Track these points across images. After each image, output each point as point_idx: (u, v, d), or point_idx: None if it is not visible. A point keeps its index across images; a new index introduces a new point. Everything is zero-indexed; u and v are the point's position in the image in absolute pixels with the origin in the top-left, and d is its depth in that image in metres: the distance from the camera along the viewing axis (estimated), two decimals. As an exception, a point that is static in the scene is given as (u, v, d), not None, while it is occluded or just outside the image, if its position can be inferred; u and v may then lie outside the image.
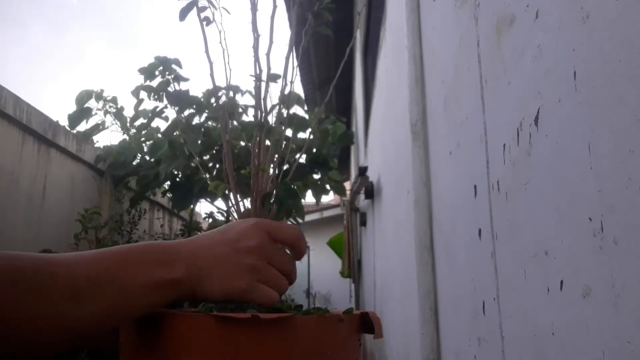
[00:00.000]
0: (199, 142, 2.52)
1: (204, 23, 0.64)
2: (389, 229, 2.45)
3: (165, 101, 2.41)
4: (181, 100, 2.33)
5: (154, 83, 2.35)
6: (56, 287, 0.41)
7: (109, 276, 0.44)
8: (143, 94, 2.54)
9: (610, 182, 0.44)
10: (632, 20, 0.41)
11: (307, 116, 2.96)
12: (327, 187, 2.88)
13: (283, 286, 0.51)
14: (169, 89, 2.29)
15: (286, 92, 0.66)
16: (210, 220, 3.23)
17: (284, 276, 0.51)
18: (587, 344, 0.48)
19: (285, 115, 0.67)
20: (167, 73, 2.28)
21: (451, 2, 1.05)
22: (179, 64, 2.31)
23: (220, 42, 0.64)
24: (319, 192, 2.84)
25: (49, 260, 0.43)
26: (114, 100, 3.34)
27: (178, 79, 2.28)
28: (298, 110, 3.05)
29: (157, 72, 2.32)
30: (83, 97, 3.21)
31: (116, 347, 0.51)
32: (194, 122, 2.73)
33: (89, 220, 2.75)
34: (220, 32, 0.65)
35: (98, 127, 3.29)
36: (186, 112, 2.67)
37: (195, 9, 0.64)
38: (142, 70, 2.38)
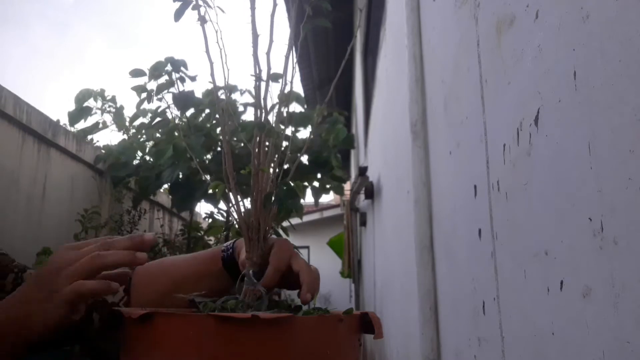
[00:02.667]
0: (201, 145, 2.51)
1: (200, 22, 0.64)
2: (389, 229, 2.45)
3: (167, 102, 2.41)
4: (186, 102, 2.33)
5: (157, 83, 2.34)
6: None
7: None
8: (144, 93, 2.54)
9: (610, 182, 0.44)
10: (632, 20, 0.41)
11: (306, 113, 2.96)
12: (327, 186, 2.88)
13: (83, 268, 0.54)
14: (173, 89, 2.29)
15: (286, 91, 0.66)
16: (210, 220, 3.23)
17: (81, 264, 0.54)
18: (587, 344, 0.48)
19: (284, 114, 0.67)
20: (173, 73, 2.27)
21: (451, 2, 1.05)
22: (185, 66, 2.30)
23: (217, 42, 0.64)
24: (318, 192, 2.84)
25: None
26: (113, 99, 3.33)
27: (183, 79, 2.27)
28: (297, 108, 3.05)
29: (161, 72, 2.31)
30: (83, 96, 3.21)
31: (117, 346, 0.51)
32: (194, 123, 2.72)
33: (89, 221, 2.75)
34: (217, 32, 0.64)
35: (97, 126, 3.29)
36: (188, 113, 2.67)
37: (191, 9, 0.64)
38: (134, 73, 2.37)
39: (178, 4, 0.64)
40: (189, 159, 2.53)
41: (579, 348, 0.49)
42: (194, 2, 0.64)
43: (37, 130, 2.45)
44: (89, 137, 3.26)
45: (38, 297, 0.53)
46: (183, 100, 2.28)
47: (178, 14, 0.65)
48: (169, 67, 2.31)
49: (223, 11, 0.65)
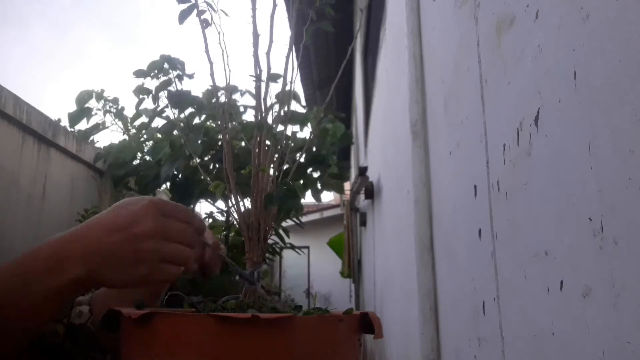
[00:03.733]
0: (199, 142, 2.51)
1: (203, 25, 0.64)
2: (389, 229, 2.45)
3: (165, 101, 2.41)
4: (183, 100, 2.32)
5: (156, 83, 2.34)
6: None
7: (14, 295, 0.46)
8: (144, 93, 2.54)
9: (610, 182, 0.44)
10: (632, 20, 0.41)
11: (304, 112, 2.96)
12: (327, 183, 2.88)
13: (185, 256, 0.52)
14: (171, 88, 2.28)
15: (286, 92, 0.66)
16: (210, 220, 3.23)
17: (186, 247, 0.52)
18: (587, 344, 0.48)
19: (283, 113, 0.67)
20: (170, 72, 2.27)
21: (451, 2, 1.05)
22: (182, 65, 2.30)
23: (220, 44, 0.64)
24: (317, 191, 2.83)
25: None
26: (114, 100, 3.34)
27: (181, 77, 2.27)
28: (296, 107, 3.05)
29: (156, 71, 2.31)
30: (83, 97, 3.21)
31: (116, 346, 0.51)
32: (194, 122, 2.72)
33: (89, 220, 2.75)
34: (219, 34, 0.65)
35: (98, 127, 3.30)
36: (187, 112, 2.67)
37: (195, 11, 0.64)
38: (137, 73, 2.37)
39: (182, 7, 0.64)
40: (188, 156, 2.53)
41: (579, 348, 0.49)
42: (199, 7, 0.64)
43: (37, 130, 2.45)
44: (90, 138, 3.26)
45: (123, 257, 0.49)
46: (179, 98, 2.28)
47: (182, 17, 0.65)
48: (165, 66, 2.30)
49: (227, 14, 0.65)
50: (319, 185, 2.79)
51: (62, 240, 0.50)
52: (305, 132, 2.81)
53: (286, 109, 0.67)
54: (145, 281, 0.50)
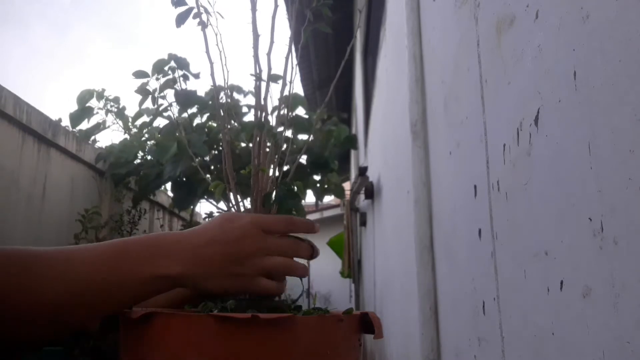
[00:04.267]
0: (202, 142, 2.51)
1: (201, 27, 0.64)
2: (389, 229, 2.45)
3: (169, 100, 2.41)
4: (189, 100, 2.33)
5: (158, 82, 2.34)
6: (53, 275, 0.45)
7: (106, 270, 0.47)
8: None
9: (610, 182, 0.44)
10: (632, 20, 0.41)
11: (308, 117, 2.96)
12: (326, 186, 2.88)
13: (289, 266, 0.53)
14: (176, 87, 2.29)
15: (286, 92, 0.66)
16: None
17: (290, 258, 0.53)
18: (587, 344, 0.48)
19: (285, 116, 0.67)
20: (177, 71, 2.28)
21: (451, 2, 1.05)
22: (188, 65, 2.31)
23: (217, 45, 0.65)
24: (319, 193, 2.84)
25: (49, 253, 0.46)
26: (115, 100, 3.34)
27: (186, 77, 2.27)
28: (300, 110, 3.05)
29: (159, 71, 2.31)
30: (84, 97, 3.21)
31: (116, 346, 0.51)
32: (196, 122, 2.72)
33: (89, 220, 2.75)
34: (216, 35, 0.65)
35: (99, 127, 3.30)
36: (189, 111, 2.67)
37: (192, 17, 0.64)
38: (138, 74, 2.37)
39: (180, 10, 0.64)
40: (191, 157, 2.54)
41: (579, 348, 0.49)
42: (196, 10, 0.64)
43: (37, 130, 2.45)
44: (92, 138, 3.26)
45: (224, 267, 0.50)
46: (185, 97, 2.28)
47: (179, 21, 0.65)
48: (172, 64, 2.31)
49: (222, 17, 0.65)
50: (324, 186, 2.79)
51: (167, 237, 0.51)
52: (306, 135, 2.81)
53: (290, 113, 0.67)
54: (241, 293, 0.52)
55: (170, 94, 2.39)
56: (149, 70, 2.40)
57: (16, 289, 0.43)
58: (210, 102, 2.65)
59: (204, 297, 0.56)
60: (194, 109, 2.73)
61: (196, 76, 2.27)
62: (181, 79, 2.25)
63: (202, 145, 2.42)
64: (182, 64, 2.24)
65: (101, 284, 0.46)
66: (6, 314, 0.42)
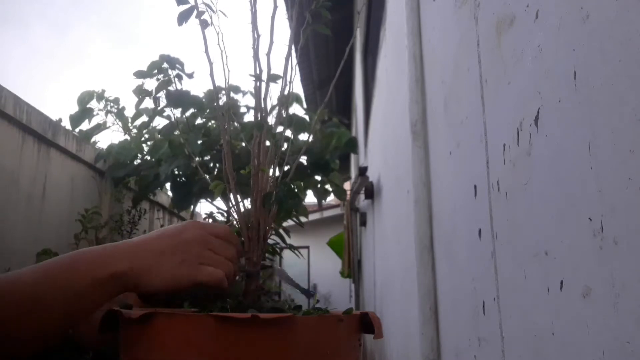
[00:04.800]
0: (199, 142, 2.51)
1: (203, 25, 0.64)
2: (389, 229, 2.45)
3: (164, 101, 2.41)
4: (182, 100, 2.32)
5: (156, 83, 2.34)
6: (5, 306, 0.45)
7: (51, 282, 0.48)
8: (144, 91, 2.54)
9: (610, 182, 0.44)
10: (632, 20, 0.41)
11: (307, 117, 2.95)
12: (328, 188, 2.88)
13: (228, 267, 0.55)
14: (171, 88, 2.28)
15: (286, 92, 0.66)
16: (210, 220, 3.23)
17: (228, 260, 0.56)
18: (587, 344, 0.48)
19: (284, 115, 0.67)
20: (169, 71, 2.27)
21: (451, 2, 1.05)
22: (181, 64, 2.30)
23: (219, 44, 0.65)
24: (321, 194, 2.83)
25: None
26: (115, 100, 3.34)
27: (180, 77, 2.27)
28: (298, 109, 3.05)
29: (156, 71, 2.31)
30: (84, 98, 3.21)
31: (116, 346, 0.51)
32: (195, 122, 2.72)
33: (89, 221, 2.75)
34: (218, 34, 0.65)
35: (99, 127, 3.30)
36: (187, 112, 2.67)
37: (195, 16, 0.64)
38: (138, 74, 2.37)
39: (182, 8, 0.64)
40: (188, 156, 2.53)
41: (579, 348, 0.49)
42: (197, 9, 0.64)
43: (37, 130, 2.45)
44: (92, 139, 3.26)
45: (170, 255, 0.52)
46: (178, 98, 2.28)
47: (182, 19, 0.65)
48: (165, 65, 2.30)
49: (225, 15, 0.65)
50: (327, 187, 2.79)
51: (113, 243, 0.54)
52: (306, 135, 2.80)
53: (288, 111, 0.67)
54: (189, 282, 0.52)
55: (165, 94, 2.39)
56: (145, 70, 2.39)
57: None
58: (207, 102, 2.65)
59: (151, 301, 0.57)
60: (193, 110, 2.72)
61: (190, 76, 2.27)
62: (175, 79, 2.25)
63: (197, 145, 2.42)
64: (175, 64, 2.24)
65: (55, 293, 0.47)
66: None
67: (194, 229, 0.55)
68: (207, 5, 0.65)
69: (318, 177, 2.84)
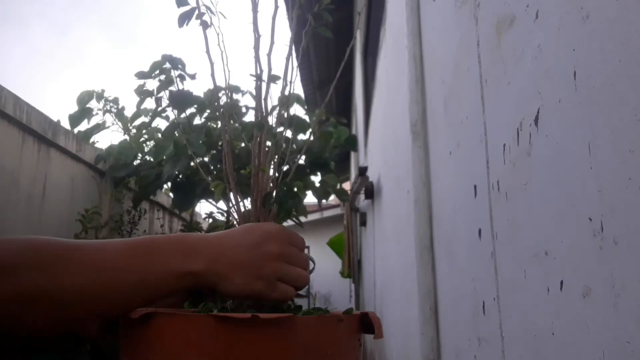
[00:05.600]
0: (201, 142, 2.51)
1: (202, 27, 0.64)
2: (389, 229, 2.45)
3: (166, 101, 2.41)
4: (184, 100, 2.32)
5: (157, 83, 2.34)
6: (83, 268, 0.45)
7: (131, 265, 0.48)
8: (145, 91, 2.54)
9: (610, 182, 0.44)
10: (632, 20, 0.41)
11: (307, 118, 2.96)
12: (329, 189, 2.88)
13: (303, 278, 0.55)
14: (172, 88, 2.28)
15: (286, 92, 0.66)
16: (210, 220, 3.23)
17: (303, 272, 0.55)
18: (587, 344, 0.48)
19: (285, 116, 0.67)
20: (171, 71, 2.27)
21: (451, 2, 1.05)
22: (183, 65, 2.30)
23: (219, 45, 0.65)
24: (321, 194, 2.83)
25: (78, 246, 0.47)
26: (115, 100, 3.34)
27: (182, 77, 2.27)
28: (298, 110, 3.05)
29: (157, 72, 2.31)
30: (84, 98, 3.21)
31: (116, 346, 0.51)
32: (195, 123, 2.72)
33: (89, 221, 2.75)
34: (218, 35, 0.65)
35: (99, 127, 3.30)
36: (188, 112, 2.67)
37: (195, 17, 0.64)
38: (139, 75, 2.37)
39: (182, 10, 0.64)
40: (190, 156, 2.53)
41: (579, 348, 0.49)
42: (198, 11, 0.64)
43: (37, 130, 2.45)
44: (92, 139, 3.26)
45: (248, 268, 0.51)
46: (180, 98, 2.28)
47: (182, 20, 0.65)
48: (167, 65, 2.30)
49: (225, 17, 0.65)
50: (325, 187, 2.79)
51: (193, 236, 0.52)
52: (306, 135, 2.80)
53: (289, 112, 0.67)
54: (260, 297, 0.52)
55: (166, 94, 2.39)
56: (147, 71, 2.39)
57: (49, 277, 0.44)
58: (207, 102, 2.65)
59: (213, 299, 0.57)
60: (193, 109, 2.72)
61: (192, 77, 2.26)
62: (177, 79, 2.25)
63: (200, 145, 2.42)
64: (177, 64, 2.24)
65: (132, 276, 0.47)
66: (34, 302, 0.43)
67: (276, 242, 0.53)
68: (206, 7, 0.65)
69: (317, 178, 2.84)
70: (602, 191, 0.45)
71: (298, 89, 6.79)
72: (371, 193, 3.40)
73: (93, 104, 3.26)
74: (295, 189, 0.63)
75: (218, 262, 0.50)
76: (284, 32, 0.68)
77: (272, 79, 0.65)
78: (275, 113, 0.66)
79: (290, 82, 0.66)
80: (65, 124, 3.04)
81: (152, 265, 0.48)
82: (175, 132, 2.65)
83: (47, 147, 2.57)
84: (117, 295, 0.47)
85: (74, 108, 3.23)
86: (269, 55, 0.65)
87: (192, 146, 2.32)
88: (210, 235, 0.53)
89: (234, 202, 0.63)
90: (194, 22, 0.65)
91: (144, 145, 3.13)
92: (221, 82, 0.65)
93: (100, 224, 2.90)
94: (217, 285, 0.50)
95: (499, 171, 0.74)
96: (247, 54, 0.65)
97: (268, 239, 0.53)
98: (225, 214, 3.11)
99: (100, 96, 3.30)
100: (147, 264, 0.48)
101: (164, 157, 2.65)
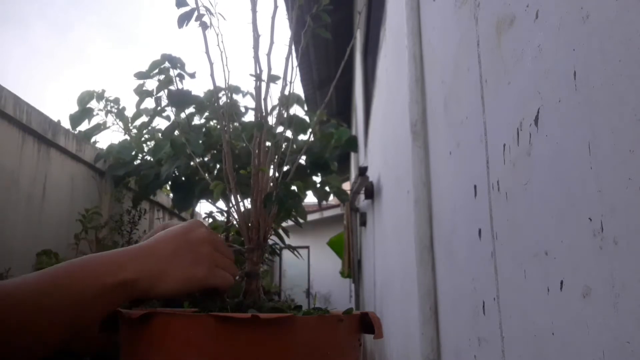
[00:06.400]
0: (200, 142, 2.51)
1: (202, 28, 0.64)
2: (389, 229, 2.45)
3: (165, 100, 2.41)
4: (183, 100, 2.32)
5: (157, 83, 2.34)
6: (7, 312, 0.42)
7: (57, 289, 0.45)
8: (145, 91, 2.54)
9: (610, 182, 0.44)
10: (632, 20, 0.41)
11: (307, 118, 2.95)
12: (328, 189, 2.87)
13: (235, 271, 0.55)
14: (172, 87, 2.28)
15: (286, 92, 0.66)
16: (211, 220, 3.23)
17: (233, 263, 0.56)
18: (587, 344, 0.48)
19: (285, 116, 0.67)
20: (171, 71, 2.26)
21: (451, 2, 1.05)
22: (182, 64, 2.30)
23: (218, 45, 0.65)
24: (321, 195, 2.83)
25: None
26: (115, 100, 3.34)
27: (182, 77, 2.26)
28: (298, 110, 3.05)
29: (157, 71, 2.31)
30: (84, 98, 3.21)
31: (116, 347, 0.51)
32: (194, 123, 2.72)
33: (89, 220, 2.75)
34: (217, 35, 0.65)
35: (99, 127, 3.30)
36: (187, 111, 2.67)
37: (194, 19, 0.64)
38: (139, 75, 2.37)
39: (181, 11, 0.65)
40: (189, 156, 2.53)
41: (579, 348, 0.49)
42: (197, 12, 0.64)
43: (37, 130, 2.45)
44: (92, 139, 3.26)
45: (182, 257, 0.50)
46: (179, 97, 2.27)
47: (182, 21, 0.65)
48: (166, 65, 2.30)
49: (224, 18, 0.65)
50: (327, 188, 2.79)
51: (121, 249, 0.51)
52: (306, 135, 2.80)
53: (289, 112, 0.67)
54: (203, 284, 0.51)
55: (166, 94, 2.38)
56: (147, 70, 2.39)
57: None
58: (207, 102, 2.65)
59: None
60: (193, 109, 2.72)
61: (192, 76, 2.26)
62: (177, 78, 2.24)
63: (198, 145, 2.42)
64: (176, 63, 2.24)
65: (67, 297, 0.45)
66: None
67: (199, 227, 0.54)
68: (206, 8, 0.65)
69: (317, 178, 2.84)
70: (602, 191, 0.45)
71: (298, 89, 6.79)
72: (371, 193, 3.40)
73: (93, 104, 3.26)
74: (295, 189, 0.63)
75: (149, 262, 0.49)
76: (284, 32, 0.68)
77: (272, 79, 0.65)
78: (275, 113, 0.66)
79: (290, 82, 0.66)
80: (66, 124, 3.04)
81: (80, 285, 0.46)
82: (175, 132, 2.65)
83: (47, 147, 2.57)
84: (50, 325, 0.44)
85: (74, 108, 3.23)
86: (268, 55, 0.65)
87: (191, 145, 2.32)
88: (130, 247, 0.52)
89: (233, 202, 0.63)
90: (194, 23, 0.65)
91: (145, 145, 3.13)
92: (221, 83, 0.65)
93: (100, 224, 2.90)
94: (154, 287, 0.49)
95: (499, 171, 0.74)
96: (247, 54, 0.65)
97: (191, 228, 0.53)
98: (225, 214, 3.11)
99: (100, 96, 3.30)
100: (75, 285, 0.46)
101: (162, 157, 2.65)
